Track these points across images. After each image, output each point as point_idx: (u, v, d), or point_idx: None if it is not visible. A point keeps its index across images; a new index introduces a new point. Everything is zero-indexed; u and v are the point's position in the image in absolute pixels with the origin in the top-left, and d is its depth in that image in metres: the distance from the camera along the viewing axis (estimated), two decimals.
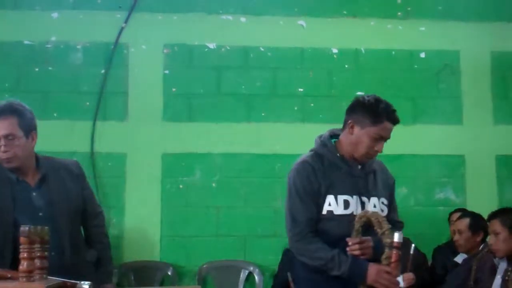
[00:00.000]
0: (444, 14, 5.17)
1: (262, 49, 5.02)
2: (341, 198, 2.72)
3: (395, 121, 3.03)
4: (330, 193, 2.71)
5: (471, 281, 3.54)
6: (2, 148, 2.75)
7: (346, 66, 5.06)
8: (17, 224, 2.60)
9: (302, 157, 2.91)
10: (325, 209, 2.70)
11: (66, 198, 2.90)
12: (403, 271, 4.38)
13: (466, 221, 4.05)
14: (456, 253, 4.15)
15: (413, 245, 4.41)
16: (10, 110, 2.83)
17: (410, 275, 4.39)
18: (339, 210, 2.70)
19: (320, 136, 3.00)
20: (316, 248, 2.66)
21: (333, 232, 2.68)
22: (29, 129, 2.88)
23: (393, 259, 2.65)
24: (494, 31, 5.18)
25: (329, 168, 2.79)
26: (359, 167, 2.85)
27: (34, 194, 2.84)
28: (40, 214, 2.80)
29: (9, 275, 2.19)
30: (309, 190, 2.71)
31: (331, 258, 2.62)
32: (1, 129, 2.76)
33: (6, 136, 2.76)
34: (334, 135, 3.00)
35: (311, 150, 2.95)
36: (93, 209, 3.08)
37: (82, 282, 2.21)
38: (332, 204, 2.71)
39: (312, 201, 2.70)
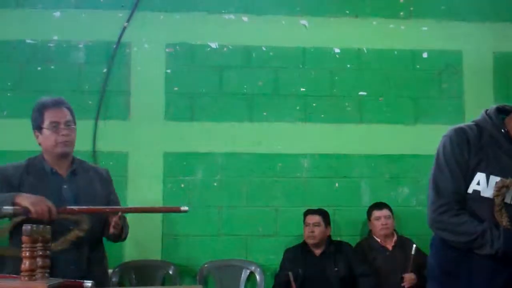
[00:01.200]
0: (446, 14, 5.16)
1: (264, 49, 5.02)
2: (494, 179, 2.36)
3: None
4: (482, 171, 2.37)
5: None
6: (64, 132, 2.96)
7: (348, 65, 5.06)
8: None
9: (459, 124, 2.56)
10: (472, 187, 2.38)
11: (92, 196, 3.01)
12: (404, 272, 4.40)
13: None
14: None
15: (414, 245, 4.43)
16: (64, 102, 3.05)
17: (411, 275, 4.40)
18: (487, 192, 2.36)
19: (486, 110, 2.58)
20: (462, 222, 2.36)
21: (474, 216, 2.36)
22: (75, 123, 3.07)
23: None
24: (497, 32, 5.18)
25: (487, 143, 2.43)
26: None
27: (64, 186, 2.98)
28: (67, 207, 2.88)
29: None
30: (460, 160, 2.40)
31: (482, 232, 2.30)
32: (62, 116, 2.97)
33: (66, 123, 2.97)
34: (504, 110, 2.54)
35: (473, 121, 2.58)
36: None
37: (85, 281, 2.22)
38: (481, 184, 2.37)
39: (461, 173, 2.39)
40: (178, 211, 3.01)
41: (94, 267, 2.95)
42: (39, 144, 3.03)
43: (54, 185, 2.95)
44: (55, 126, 2.95)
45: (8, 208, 2.64)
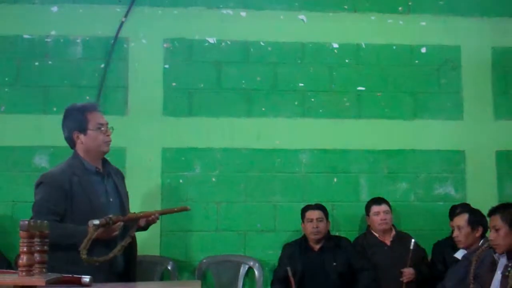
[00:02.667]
0: (445, 9, 5.16)
1: (263, 44, 5.01)
2: None
3: None
4: None
5: (470, 277, 3.54)
6: (108, 132, 3.27)
7: (347, 61, 5.06)
8: (96, 210, 3.06)
9: None
10: None
11: (123, 191, 3.37)
12: (403, 266, 4.40)
13: (465, 216, 4.04)
14: (456, 249, 4.15)
15: (413, 240, 4.43)
16: (99, 106, 3.41)
17: (410, 270, 4.41)
18: None
19: None
20: None
21: None
22: None
23: None
24: (495, 27, 5.17)
25: None
26: None
27: (105, 182, 3.26)
28: (111, 199, 3.23)
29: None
30: None
31: None
32: (104, 118, 3.29)
33: (107, 125, 3.28)
34: None
35: None
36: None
37: (84, 276, 2.23)
38: None
39: None
40: (186, 210, 3.32)
41: (131, 265, 3.29)
42: (78, 143, 3.24)
43: (100, 183, 3.23)
44: (100, 127, 3.23)
45: (96, 221, 2.86)
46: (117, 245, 3.00)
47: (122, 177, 3.46)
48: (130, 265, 3.29)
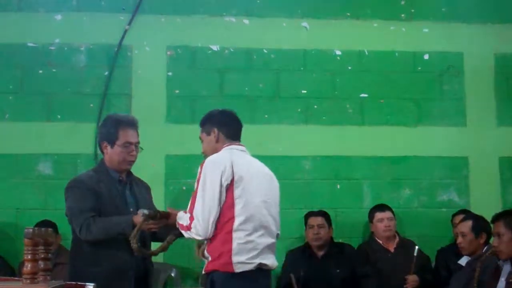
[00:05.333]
0: (447, 16, 5.17)
1: (265, 51, 5.02)
2: None
3: None
4: None
5: (474, 284, 3.53)
6: (133, 152, 3.34)
7: (350, 67, 5.06)
8: (119, 214, 3.20)
9: None
10: None
11: (145, 202, 3.39)
12: (407, 273, 4.39)
13: (468, 223, 4.04)
14: (459, 255, 4.14)
15: (416, 247, 4.42)
16: (136, 123, 3.42)
17: (414, 277, 4.39)
18: None
19: None
20: None
21: None
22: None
23: None
24: (498, 33, 5.18)
25: None
26: None
27: (127, 192, 3.37)
28: (131, 209, 3.28)
29: None
30: None
31: None
32: (135, 137, 3.36)
33: (136, 144, 3.35)
34: None
35: None
36: None
37: (88, 284, 2.24)
38: None
39: None
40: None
41: (150, 272, 3.40)
42: (105, 153, 3.36)
43: (121, 191, 3.33)
44: (127, 146, 3.30)
45: (145, 211, 3.06)
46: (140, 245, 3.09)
47: (146, 189, 3.54)
48: (149, 272, 3.39)
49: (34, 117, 4.78)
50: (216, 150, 3.18)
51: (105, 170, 3.34)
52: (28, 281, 1.95)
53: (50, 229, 2.13)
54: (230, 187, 2.99)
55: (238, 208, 2.99)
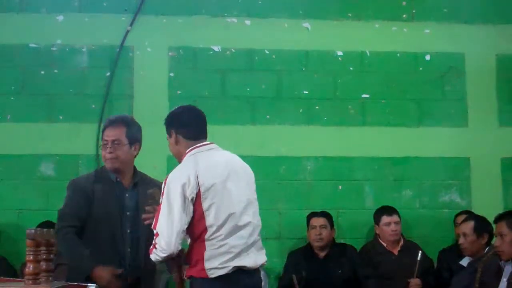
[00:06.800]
0: (449, 17, 5.16)
1: (267, 52, 5.02)
2: None
3: None
4: None
5: (476, 284, 3.53)
6: (108, 150, 3.30)
7: (351, 68, 5.06)
8: (109, 218, 3.21)
9: None
10: None
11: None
12: (410, 276, 4.38)
13: (470, 224, 4.04)
14: (461, 256, 4.14)
15: (420, 251, 4.41)
16: (121, 121, 3.40)
17: (417, 281, 4.38)
18: None
19: None
20: None
21: None
22: (133, 141, 3.40)
23: None
24: (499, 34, 5.17)
25: None
26: None
27: (127, 195, 3.34)
28: (128, 213, 3.29)
29: None
30: None
31: None
32: (110, 135, 3.32)
33: (113, 141, 3.30)
34: None
35: None
36: None
37: (89, 284, 2.24)
38: None
39: None
40: None
41: (147, 263, 3.17)
42: None
43: (119, 193, 3.32)
44: (104, 144, 3.33)
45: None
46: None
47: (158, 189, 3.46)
48: (144, 277, 3.35)
49: (36, 118, 4.78)
50: (179, 153, 3.11)
51: (106, 172, 3.36)
52: (30, 281, 1.95)
53: (52, 230, 2.13)
54: (197, 200, 2.91)
55: (208, 219, 2.91)
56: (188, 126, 3.14)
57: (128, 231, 3.28)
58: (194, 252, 2.95)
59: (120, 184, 3.35)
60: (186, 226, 2.89)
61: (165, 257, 2.88)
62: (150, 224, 2.99)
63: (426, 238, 4.85)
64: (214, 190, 2.94)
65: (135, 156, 3.46)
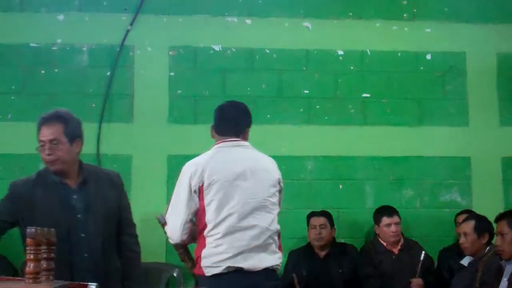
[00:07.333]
0: (450, 16, 5.16)
1: (268, 51, 5.02)
2: None
3: None
4: None
5: (477, 284, 3.53)
6: (47, 152, 2.97)
7: (352, 68, 5.06)
8: (56, 224, 2.70)
9: None
10: None
11: (103, 204, 3.05)
12: (411, 276, 4.38)
13: (471, 223, 4.03)
14: (462, 256, 4.14)
15: (423, 252, 4.41)
16: (57, 118, 3.03)
17: (419, 281, 4.38)
18: None
19: None
20: None
21: None
22: (74, 137, 3.06)
23: None
24: (500, 33, 5.17)
25: None
26: None
27: (74, 196, 3.01)
28: (79, 216, 2.98)
29: None
30: None
31: None
32: (47, 135, 2.97)
33: (51, 141, 2.97)
34: None
35: None
36: (128, 219, 3.23)
37: (91, 284, 2.23)
38: None
39: None
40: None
41: (111, 279, 3.00)
42: None
43: (64, 196, 3.00)
44: (41, 145, 3.00)
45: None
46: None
47: (112, 184, 3.15)
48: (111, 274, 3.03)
49: (36, 117, 4.67)
50: None
51: (47, 173, 3.04)
52: (31, 280, 1.95)
53: (52, 229, 2.12)
54: (200, 193, 2.95)
55: (208, 214, 2.94)
56: (219, 121, 3.20)
57: (83, 235, 2.94)
58: (197, 248, 3.01)
59: (65, 186, 3.01)
60: (191, 217, 2.92)
61: (173, 245, 3.00)
62: (106, 224, 2.97)
63: (426, 238, 4.85)
64: (217, 187, 2.95)
65: (78, 153, 3.10)
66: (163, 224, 3.11)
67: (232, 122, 3.20)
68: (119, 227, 3.13)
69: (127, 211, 3.23)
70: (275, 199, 3.11)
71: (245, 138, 3.20)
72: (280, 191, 3.20)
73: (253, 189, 3.01)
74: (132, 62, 4.90)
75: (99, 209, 3.01)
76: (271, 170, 3.15)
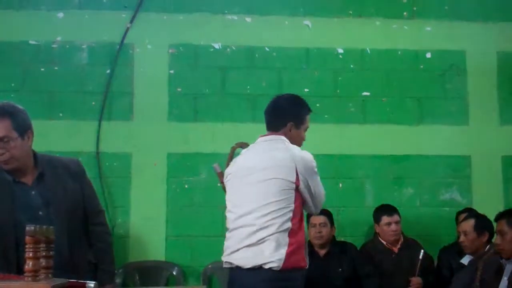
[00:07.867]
0: (450, 14, 5.15)
1: (268, 49, 5.01)
2: None
3: None
4: None
5: (477, 283, 3.53)
6: (1, 151, 2.77)
7: (352, 66, 5.06)
8: (17, 225, 2.69)
9: None
10: None
11: (63, 196, 2.89)
12: (410, 274, 4.38)
13: (471, 222, 4.03)
14: (462, 254, 4.14)
15: (422, 250, 4.41)
16: (2, 113, 2.81)
17: (418, 280, 4.38)
18: None
19: None
20: None
21: None
22: (24, 129, 2.87)
23: None
24: (500, 31, 5.16)
25: None
26: None
27: (32, 193, 2.85)
28: (40, 213, 2.82)
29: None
30: None
31: None
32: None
33: (1, 139, 2.77)
34: None
35: None
36: (93, 208, 3.09)
37: (88, 282, 2.22)
38: None
39: None
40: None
41: (83, 274, 2.81)
42: None
43: (20, 194, 2.83)
44: None
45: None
46: None
47: (69, 171, 2.98)
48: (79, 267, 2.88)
49: (35, 115, 4.65)
50: None
51: (0, 172, 2.84)
52: (30, 278, 1.94)
53: (51, 227, 2.12)
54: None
55: (227, 208, 3.12)
56: (265, 115, 3.24)
57: None
58: None
59: (20, 183, 2.84)
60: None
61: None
62: (69, 217, 2.82)
63: (426, 236, 4.85)
64: (230, 182, 3.10)
65: (31, 146, 2.92)
66: (218, 173, 3.29)
67: (268, 118, 3.22)
68: (85, 218, 2.99)
69: (92, 199, 3.07)
70: (280, 198, 2.92)
71: (284, 133, 3.12)
72: (295, 189, 2.97)
73: (256, 188, 2.95)
74: (132, 60, 4.90)
75: (60, 202, 2.86)
76: (284, 168, 2.95)
